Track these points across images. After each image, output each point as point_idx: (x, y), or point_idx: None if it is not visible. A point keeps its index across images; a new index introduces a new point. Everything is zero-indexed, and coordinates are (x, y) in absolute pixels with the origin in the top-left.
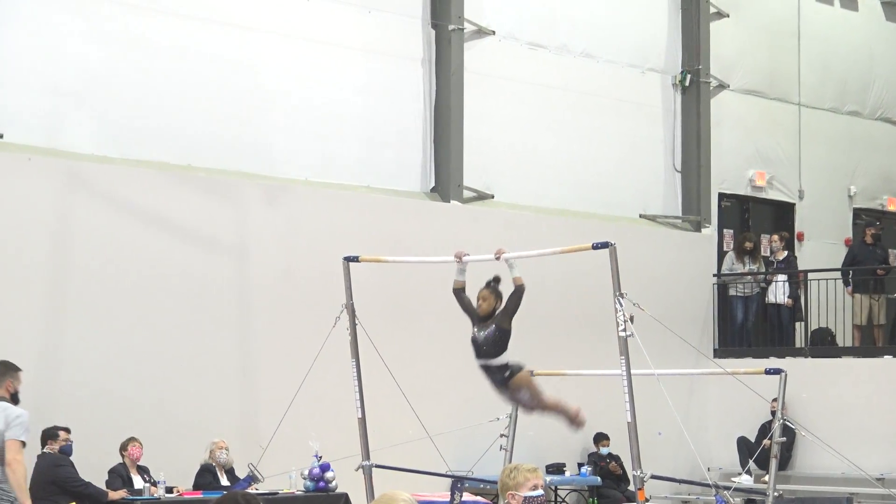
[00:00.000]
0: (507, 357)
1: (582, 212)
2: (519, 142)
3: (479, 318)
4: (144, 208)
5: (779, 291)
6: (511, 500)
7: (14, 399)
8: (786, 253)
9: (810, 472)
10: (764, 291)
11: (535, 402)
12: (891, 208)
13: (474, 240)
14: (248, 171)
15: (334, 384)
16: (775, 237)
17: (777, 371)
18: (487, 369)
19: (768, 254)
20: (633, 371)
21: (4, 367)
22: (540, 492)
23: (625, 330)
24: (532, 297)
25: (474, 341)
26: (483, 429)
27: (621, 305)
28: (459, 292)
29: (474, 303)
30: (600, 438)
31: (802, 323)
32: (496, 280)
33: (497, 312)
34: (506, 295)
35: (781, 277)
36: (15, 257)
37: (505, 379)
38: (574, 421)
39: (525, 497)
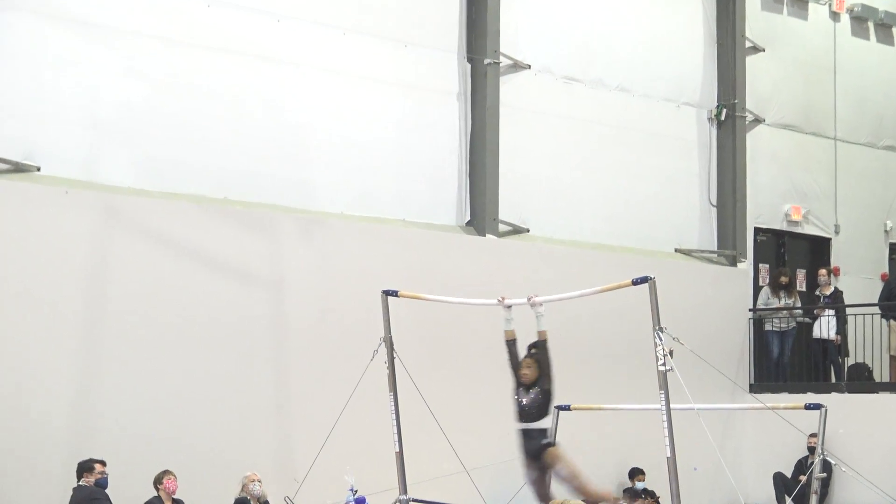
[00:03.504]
0: (549, 422)
1: (617, 246)
2: (554, 176)
3: (522, 383)
4: (180, 242)
5: (826, 327)
6: None
7: None
8: (833, 288)
9: None
10: (801, 326)
11: (571, 477)
12: None
13: (510, 274)
14: (284, 204)
15: (370, 418)
16: (823, 271)
17: (817, 406)
18: (527, 434)
19: (812, 289)
20: (671, 405)
21: None
22: None
23: (664, 364)
24: (569, 332)
25: (519, 405)
26: (520, 463)
27: (661, 340)
28: (511, 344)
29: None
30: (635, 473)
31: (847, 358)
32: (536, 346)
33: (539, 377)
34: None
35: (829, 313)
36: (51, 290)
37: (542, 446)
38: None
39: None
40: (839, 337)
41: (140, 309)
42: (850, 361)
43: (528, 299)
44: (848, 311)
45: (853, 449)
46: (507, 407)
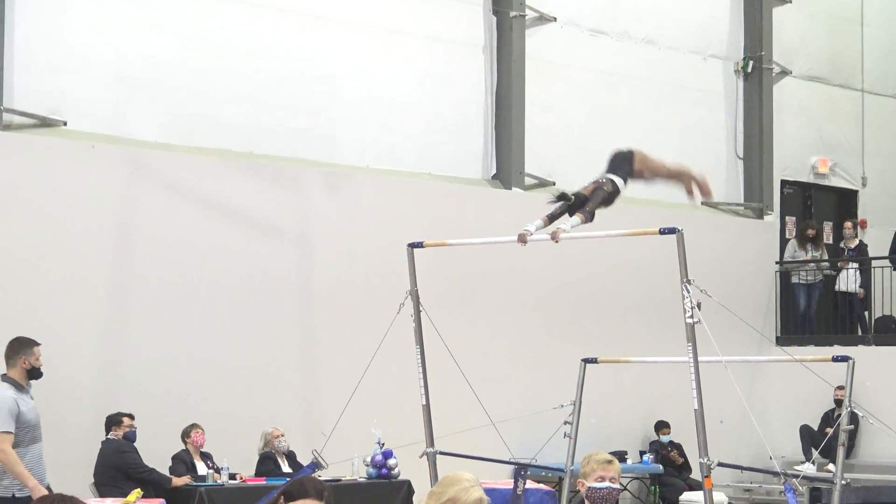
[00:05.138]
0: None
1: (643, 199)
2: (580, 128)
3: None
4: (207, 195)
5: (849, 280)
6: (580, 487)
7: (33, 375)
8: (858, 241)
9: (873, 461)
10: (828, 279)
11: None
12: None
13: None
14: (309, 158)
15: (396, 371)
16: (848, 224)
17: (845, 358)
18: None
19: (838, 242)
20: (698, 358)
21: (18, 344)
22: (605, 484)
23: (692, 317)
24: (595, 286)
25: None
26: (547, 416)
27: (688, 292)
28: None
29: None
30: (661, 426)
31: (871, 311)
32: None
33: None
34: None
35: (852, 265)
36: (78, 243)
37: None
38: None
39: (589, 487)
40: (862, 290)
41: (166, 262)
42: (875, 314)
43: (552, 236)
44: (873, 263)
45: (880, 401)
46: (534, 359)
